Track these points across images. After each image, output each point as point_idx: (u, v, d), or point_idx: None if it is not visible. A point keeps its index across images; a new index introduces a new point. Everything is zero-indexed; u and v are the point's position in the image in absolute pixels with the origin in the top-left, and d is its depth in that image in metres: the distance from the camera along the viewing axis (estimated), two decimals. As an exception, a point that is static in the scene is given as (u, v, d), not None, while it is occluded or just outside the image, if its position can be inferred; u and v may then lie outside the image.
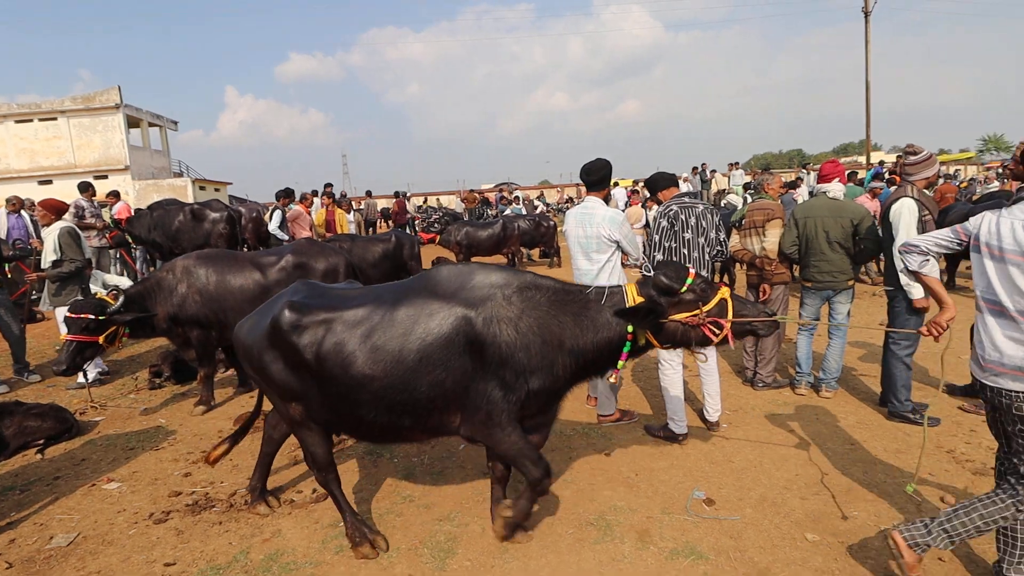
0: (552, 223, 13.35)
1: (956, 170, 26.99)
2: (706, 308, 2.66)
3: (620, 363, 2.74)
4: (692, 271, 2.72)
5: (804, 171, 17.88)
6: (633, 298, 2.70)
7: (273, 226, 9.28)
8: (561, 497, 3.36)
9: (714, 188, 17.70)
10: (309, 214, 9.52)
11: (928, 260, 2.53)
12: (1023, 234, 2.15)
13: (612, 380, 3.10)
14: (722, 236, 3.99)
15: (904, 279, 3.77)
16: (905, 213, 3.88)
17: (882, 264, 5.22)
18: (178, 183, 26.66)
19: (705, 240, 3.89)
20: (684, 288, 2.66)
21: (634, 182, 24.06)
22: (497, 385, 2.57)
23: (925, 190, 4.05)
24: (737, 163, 19.68)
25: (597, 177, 3.96)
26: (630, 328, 2.65)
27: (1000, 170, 18.75)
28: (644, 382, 5.33)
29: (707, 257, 3.93)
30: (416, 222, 18.41)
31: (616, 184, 18.78)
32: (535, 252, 15.09)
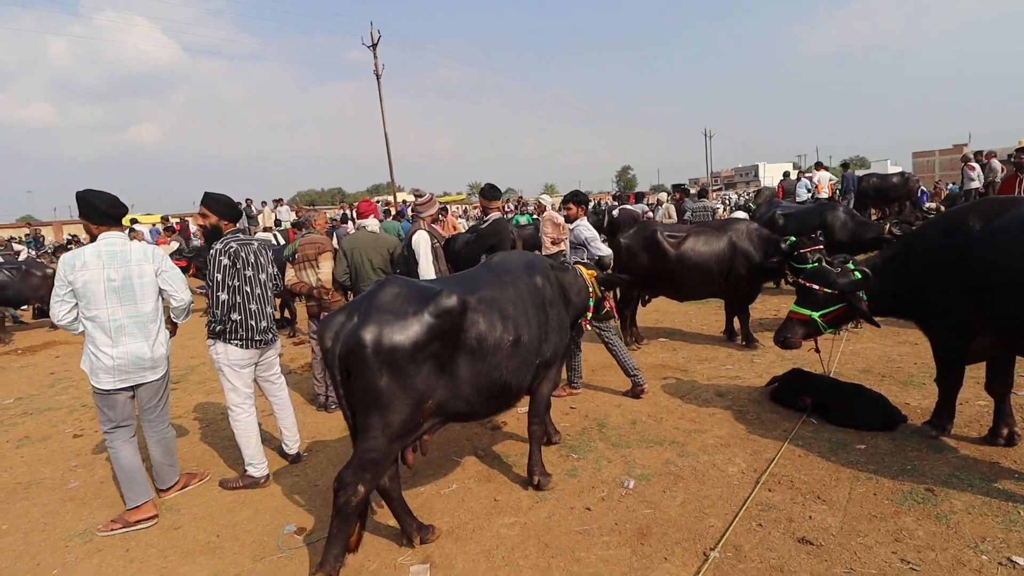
0: (50, 271, 10.34)
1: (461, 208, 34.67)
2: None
3: (588, 314, 3.90)
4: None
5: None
6: (587, 273, 3.92)
7: None
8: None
9: (261, 224, 17.25)
10: None
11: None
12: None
13: (586, 327, 4.14)
14: (276, 271, 4.07)
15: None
16: (422, 243, 4.87)
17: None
18: None
19: (267, 276, 3.90)
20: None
21: (162, 218, 21.05)
22: (561, 335, 3.52)
23: (433, 224, 5.21)
24: (282, 199, 19.85)
25: (111, 207, 3.42)
26: (591, 289, 3.88)
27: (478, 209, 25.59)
28: (211, 437, 4.85)
29: (270, 293, 3.94)
30: None
31: (135, 221, 16.07)
32: (27, 312, 11.40)
